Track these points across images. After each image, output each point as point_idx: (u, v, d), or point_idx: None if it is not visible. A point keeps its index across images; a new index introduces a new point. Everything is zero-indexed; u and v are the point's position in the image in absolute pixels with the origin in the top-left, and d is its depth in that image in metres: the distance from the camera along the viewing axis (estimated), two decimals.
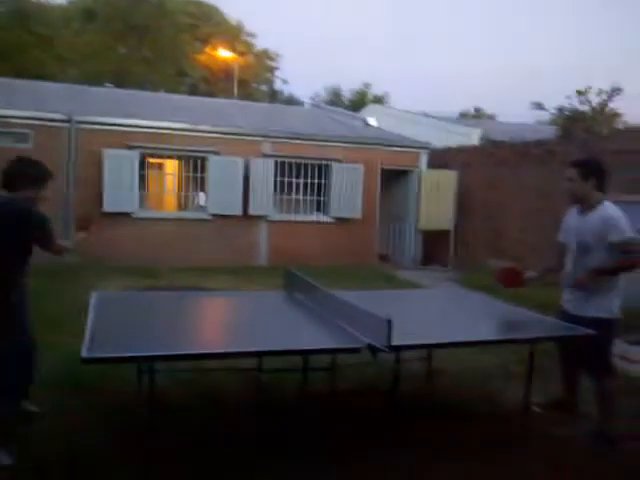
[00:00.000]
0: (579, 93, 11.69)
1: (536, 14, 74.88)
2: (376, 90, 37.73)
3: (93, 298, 3.85)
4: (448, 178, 12.55)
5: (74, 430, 3.59)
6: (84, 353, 2.72)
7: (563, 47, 68.91)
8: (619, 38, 66.57)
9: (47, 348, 4.99)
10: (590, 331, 3.56)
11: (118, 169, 10.38)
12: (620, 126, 12.10)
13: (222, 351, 3.17)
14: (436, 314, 4.50)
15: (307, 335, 3.45)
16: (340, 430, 3.69)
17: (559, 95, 12.29)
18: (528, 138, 11.66)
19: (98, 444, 3.42)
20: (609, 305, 3.75)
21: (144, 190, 11.12)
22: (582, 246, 3.82)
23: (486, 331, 3.91)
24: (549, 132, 12.19)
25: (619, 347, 4.94)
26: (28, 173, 3.25)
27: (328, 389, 3.78)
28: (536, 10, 75.24)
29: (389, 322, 2.96)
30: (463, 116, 33.40)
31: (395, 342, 3.01)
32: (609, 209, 3.79)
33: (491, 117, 34.89)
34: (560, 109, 11.90)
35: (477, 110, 38.66)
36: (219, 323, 4.11)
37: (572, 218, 4.02)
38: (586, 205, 3.86)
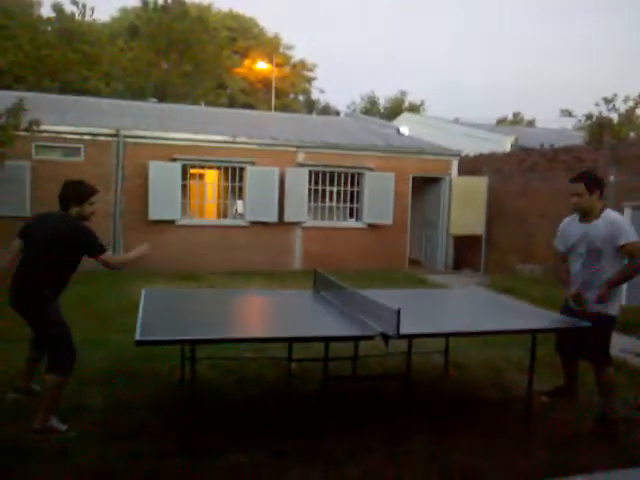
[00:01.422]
0: (606, 101, 11.81)
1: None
2: (413, 98, 37.93)
3: (143, 293, 4.39)
4: (479, 184, 12.82)
5: (124, 406, 4.13)
6: (137, 337, 3.23)
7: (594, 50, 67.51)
8: None
9: (97, 343, 5.60)
10: (590, 324, 3.92)
11: (162, 180, 11.07)
12: None
13: (254, 336, 3.64)
14: (453, 311, 4.89)
15: (329, 326, 3.88)
16: (358, 409, 4.11)
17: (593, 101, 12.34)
18: (558, 144, 11.82)
19: (145, 415, 3.94)
20: (612, 304, 4.08)
21: (186, 199, 11.79)
22: (592, 252, 4.07)
23: (491, 324, 4.26)
24: (582, 139, 12.33)
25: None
26: (73, 194, 3.84)
27: (351, 375, 4.21)
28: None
29: (398, 312, 3.37)
30: (500, 122, 33.33)
31: (404, 331, 3.42)
32: (612, 215, 4.10)
33: (530, 123, 34.67)
34: (588, 116, 12.03)
35: (515, 115, 38.39)
36: (253, 316, 4.59)
37: (573, 226, 4.27)
38: (592, 215, 4.11)
